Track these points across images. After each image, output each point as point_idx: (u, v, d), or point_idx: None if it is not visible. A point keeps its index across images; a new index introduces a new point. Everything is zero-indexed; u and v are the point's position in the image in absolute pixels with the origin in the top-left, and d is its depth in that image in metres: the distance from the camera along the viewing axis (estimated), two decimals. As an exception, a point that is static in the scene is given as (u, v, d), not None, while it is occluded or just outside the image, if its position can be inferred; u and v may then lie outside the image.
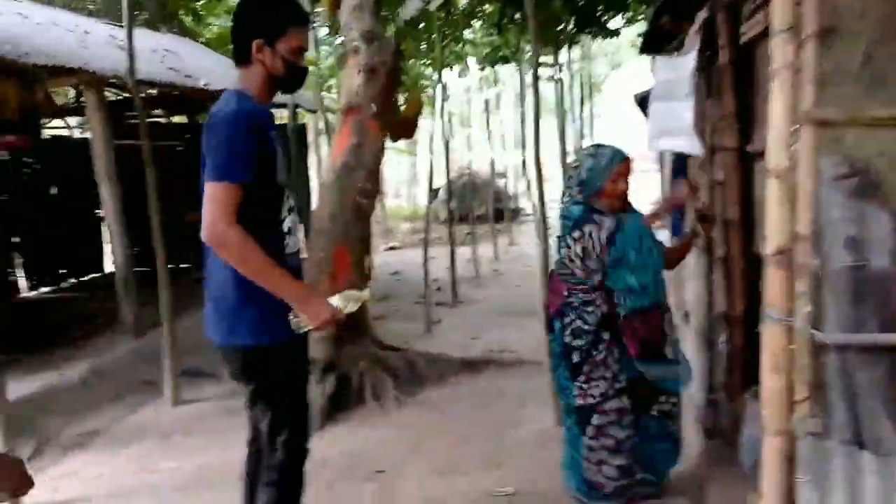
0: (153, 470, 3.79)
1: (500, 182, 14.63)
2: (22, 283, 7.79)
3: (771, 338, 2.12)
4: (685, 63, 3.21)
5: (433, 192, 15.45)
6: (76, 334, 5.76)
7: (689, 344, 3.58)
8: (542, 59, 15.63)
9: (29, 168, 7.89)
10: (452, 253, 7.88)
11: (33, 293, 7.83)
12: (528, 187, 18.88)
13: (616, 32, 11.16)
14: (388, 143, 5.15)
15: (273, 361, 2.31)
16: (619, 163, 2.80)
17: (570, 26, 10.49)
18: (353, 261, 4.70)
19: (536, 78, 4.31)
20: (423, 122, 13.63)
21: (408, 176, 22.71)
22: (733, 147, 3.02)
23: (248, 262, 2.13)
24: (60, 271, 8.24)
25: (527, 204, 16.60)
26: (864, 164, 1.96)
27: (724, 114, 3.04)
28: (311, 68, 8.31)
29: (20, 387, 4.58)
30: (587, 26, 10.91)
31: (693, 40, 3.31)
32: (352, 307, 2.27)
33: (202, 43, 11.08)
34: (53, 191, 8.20)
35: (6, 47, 4.36)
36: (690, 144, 3.24)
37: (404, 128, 5.39)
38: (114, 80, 5.30)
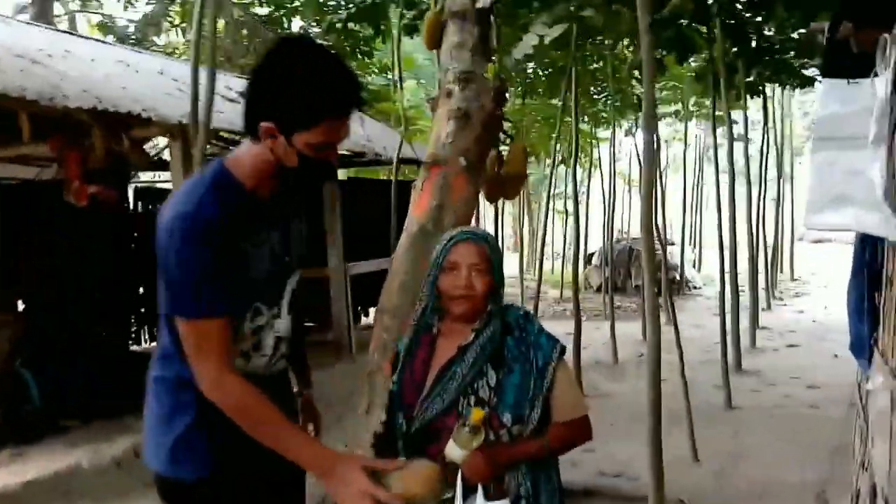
0: None
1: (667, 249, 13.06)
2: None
3: None
4: (869, 89, 1.95)
5: (587, 258, 14.25)
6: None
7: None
8: (718, 114, 14.07)
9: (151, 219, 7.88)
10: (578, 333, 6.14)
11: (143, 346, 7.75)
12: (699, 257, 16.98)
13: (811, 81, 9.36)
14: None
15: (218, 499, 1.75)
16: (453, 245, 1.89)
17: (751, 76, 8.97)
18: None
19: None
20: (594, 183, 12.60)
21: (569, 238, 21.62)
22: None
23: (250, 419, 1.61)
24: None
25: (694, 275, 14.76)
26: None
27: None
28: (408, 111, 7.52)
29: (53, 464, 4.15)
30: (775, 74, 9.26)
31: (885, 55, 2.02)
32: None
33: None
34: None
35: (48, 90, 4.07)
36: (880, 221, 1.94)
37: (503, 185, 4.45)
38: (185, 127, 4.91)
